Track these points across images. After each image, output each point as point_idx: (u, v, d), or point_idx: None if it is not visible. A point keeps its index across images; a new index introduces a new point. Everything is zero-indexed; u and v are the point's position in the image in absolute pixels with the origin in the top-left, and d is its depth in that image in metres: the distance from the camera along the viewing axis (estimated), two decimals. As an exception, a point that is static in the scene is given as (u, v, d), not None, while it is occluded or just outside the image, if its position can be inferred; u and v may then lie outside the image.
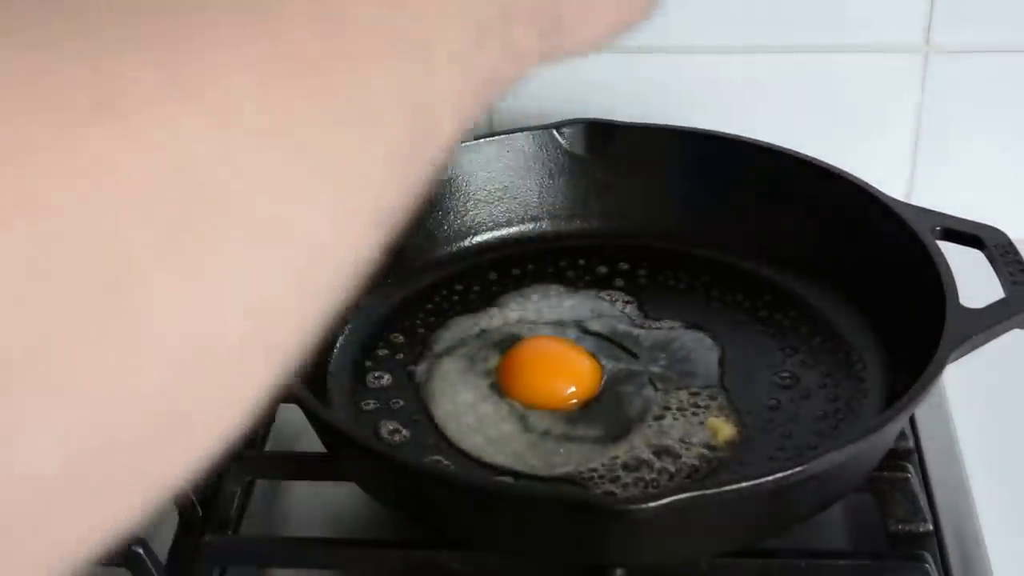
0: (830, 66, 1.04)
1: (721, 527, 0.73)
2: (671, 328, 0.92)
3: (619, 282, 0.97)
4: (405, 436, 0.84)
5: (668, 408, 0.85)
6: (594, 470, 0.80)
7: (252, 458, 0.87)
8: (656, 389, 0.87)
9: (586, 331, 0.92)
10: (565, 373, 0.87)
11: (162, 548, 0.80)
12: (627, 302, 0.95)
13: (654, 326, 0.93)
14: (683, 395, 0.86)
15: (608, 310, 0.94)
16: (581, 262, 0.99)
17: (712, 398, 0.85)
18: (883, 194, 0.91)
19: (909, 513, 0.80)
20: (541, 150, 0.99)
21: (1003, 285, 0.83)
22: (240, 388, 0.34)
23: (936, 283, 0.82)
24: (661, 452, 0.82)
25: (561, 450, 0.82)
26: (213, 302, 0.32)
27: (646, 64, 1.05)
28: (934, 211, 0.89)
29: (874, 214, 0.90)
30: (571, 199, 1.01)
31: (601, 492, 0.78)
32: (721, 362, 0.89)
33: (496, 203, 1.00)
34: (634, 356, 0.90)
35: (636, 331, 0.92)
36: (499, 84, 0.44)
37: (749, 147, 0.97)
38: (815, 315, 0.92)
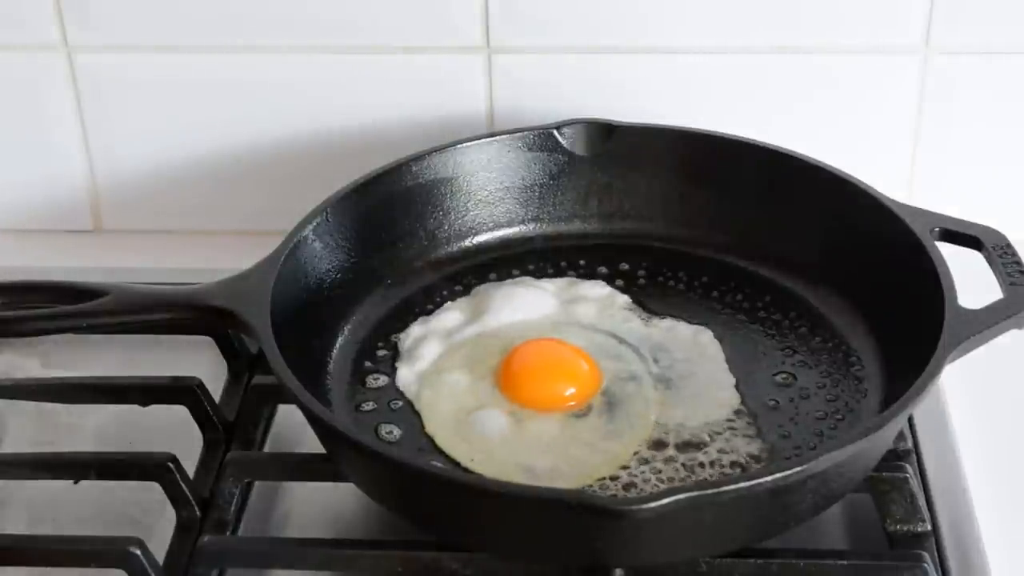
0: (830, 66, 1.04)
1: (721, 527, 0.73)
2: (671, 328, 0.92)
3: (619, 282, 0.97)
4: (404, 437, 0.85)
5: (668, 409, 0.85)
6: (596, 472, 0.81)
7: (251, 459, 0.87)
8: (657, 389, 0.87)
9: (586, 332, 0.92)
10: (566, 375, 0.87)
11: (160, 549, 0.80)
12: (627, 302, 0.95)
13: (654, 326, 0.93)
14: (683, 394, 0.86)
15: (608, 310, 0.94)
16: (581, 262, 0.99)
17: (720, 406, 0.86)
18: (882, 194, 0.91)
19: (908, 513, 0.80)
20: (541, 150, 0.99)
21: (1001, 286, 0.83)
22: None
23: (935, 284, 0.82)
24: (662, 453, 0.82)
25: (562, 452, 0.82)
26: None
27: (646, 64, 1.05)
28: (933, 212, 0.89)
29: (873, 215, 0.90)
30: (571, 199, 1.01)
31: (601, 493, 0.79)
32: (727, 362, 0.89)
33: (496, 203, 1.00)
34: (635, 356, 0.90)
35: (636, 331, 0.92)
36: None
37: (749, 147, 0.97)
38: (815, 315, 0.92)
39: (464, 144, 0.98)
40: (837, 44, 1.03)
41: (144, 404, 0.90)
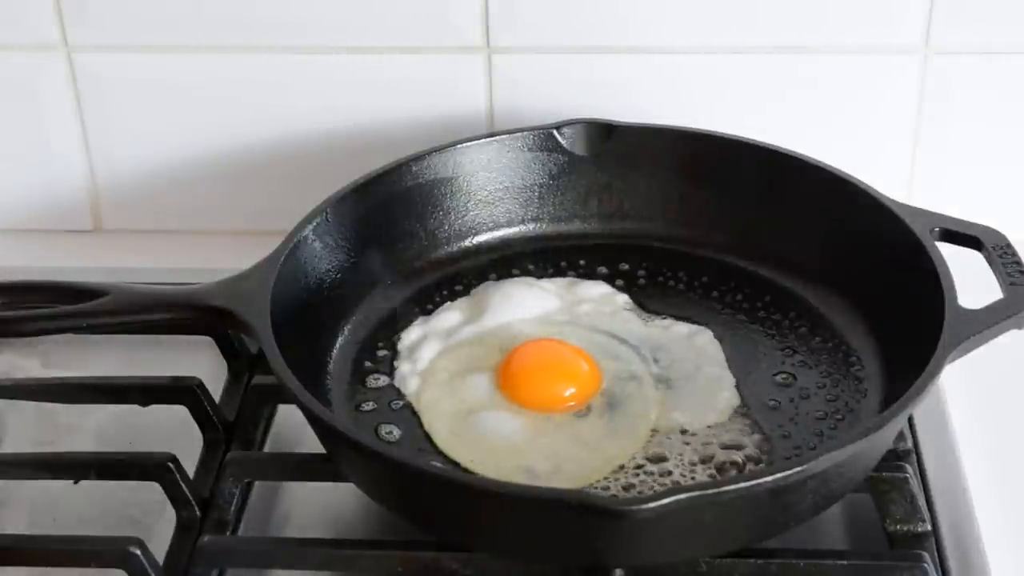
0: (829, 66, 1.04)
1: (721, 527, 0.73)
2: (671, 328, 0.92)
3: (619, 282, 0.97)
4: (404, 437, 0.85)
5: (668, 410, 0.85)
6: (596, 472, 0.81)
7: (251, 459, 0.87)
8: (657, 389, 0.87)
9: (586, 332, 0.92)
10: (566, 375, 0.87)
11: (160, 549, 0.80)
12: (627, 302, 0.95)
13: (654, 326, 0.93)
14: (683, 394, 0.86)
15: (608, 310, 0.94)
16: (581, 262, 0.99)
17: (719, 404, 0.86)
18: (882, 195, 0.91)
19: (907, 513, 0.80)
20: (541, 150, 0.99)
21: (1001, 286, 0.83)
22: None
23: (935, 284, 0.82)
24: (662, 454, 0.82)
25: (562, 452, 0.82)
26: None
27: (645, 64, 1.05)
28: (933, 212, 0.89)
29: (873, 215, 0.90)
30: (571, 199, 1.01)
31: (602, 493, 0.79)
32: (727, 362, 0.89)
33: (496, 203, 1.00)
34: (635, 356, 0.90)
35: (636, 331, 0.92)
36: None
37: (749, 147, 0.97)
38: (815, 315, 0.92)
39: (464, 144, 0.98)
40: (837, 44, 1.03)
41: (144, 404, 0.90)
